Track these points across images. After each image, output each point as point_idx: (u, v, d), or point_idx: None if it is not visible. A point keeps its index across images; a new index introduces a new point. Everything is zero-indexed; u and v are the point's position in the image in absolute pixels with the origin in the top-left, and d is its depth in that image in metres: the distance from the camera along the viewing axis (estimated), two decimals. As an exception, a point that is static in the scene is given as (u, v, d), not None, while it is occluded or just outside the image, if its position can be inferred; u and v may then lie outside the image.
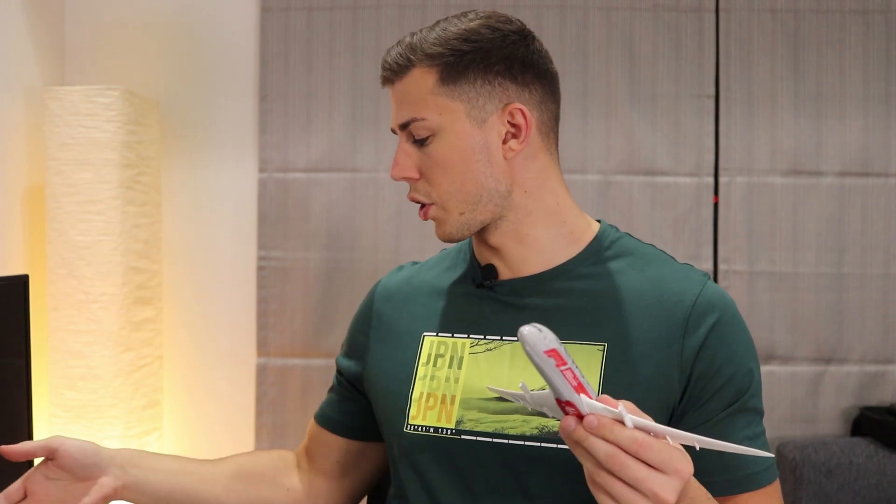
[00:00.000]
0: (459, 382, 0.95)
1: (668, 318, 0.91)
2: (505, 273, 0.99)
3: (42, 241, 1.85)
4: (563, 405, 0.69)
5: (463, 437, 0.93)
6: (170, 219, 2.06)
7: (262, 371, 2.03)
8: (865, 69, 1.99)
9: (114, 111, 1.76)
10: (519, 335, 0.66)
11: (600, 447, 0.67)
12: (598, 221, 1.04)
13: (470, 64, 0.92)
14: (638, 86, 2.00)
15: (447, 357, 0.97)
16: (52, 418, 1.78)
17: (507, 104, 0.94)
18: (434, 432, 0.94)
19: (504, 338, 0.96)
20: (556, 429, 0.90)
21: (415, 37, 0.94)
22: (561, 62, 2.10)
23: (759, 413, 0.93)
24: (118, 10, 2.06)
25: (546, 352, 0.66)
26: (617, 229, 1.03)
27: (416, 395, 0.96)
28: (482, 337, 0.97)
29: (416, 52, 0.93)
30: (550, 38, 1.99)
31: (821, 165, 1.99)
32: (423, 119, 0.93)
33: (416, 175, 0.95)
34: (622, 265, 0.97)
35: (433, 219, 0.98)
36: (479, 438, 0.92)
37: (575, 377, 0.69)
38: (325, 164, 2.02)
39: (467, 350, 0.96)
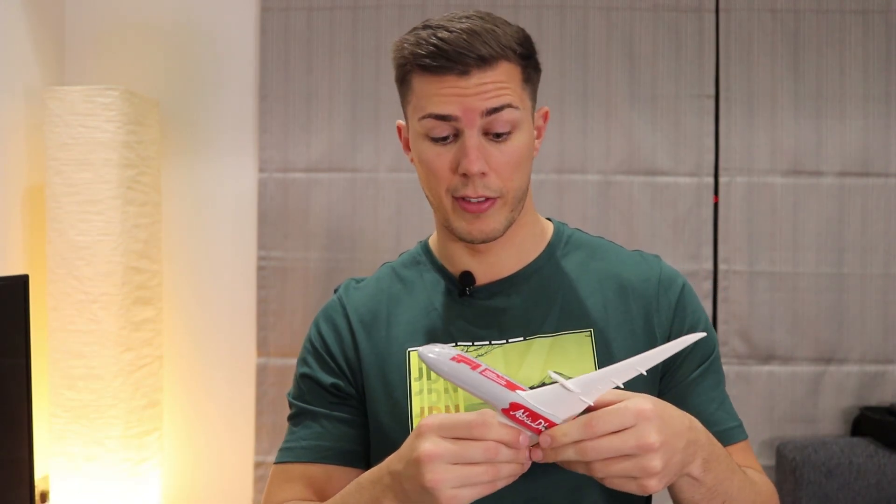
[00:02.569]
0: (459, 391, 0.94)
1: (641, 296, 0.98)
2: (481, 277, 0.99)
3: (42, 241, 1.85)
4: (509, 413, 0.72)
5: None
6: (170, 219, 2.06)
7: (262, 371, 2.03)
8: (865, 69, 1.99)
9: (114, 111, 1.76)
10: (423, 360, 0.69)
11: (568, 453, 0.71)
12: (549, 220, 1.07)
13: (536, 67, 0.95)
14: (638, 86, 2.00)
15: None
16: (52, 418, 1.78)
17: (539, 106, 0.99)
18: None
19: (493, 342, 0.96)
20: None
21: (480, 28, 0.88)
22: (561, 62, 2.11)
23: (723, 377, 1.00)
24: (118, 10, 2.06)
25: (452, 358, 0.68)
26: (567, 225, 1.07)
27: (416, 411, 0.94)
28: (470, 344, 0.96)
29: (500, 45, 0.88)
30: (550, 38, 1.99)
31: (821, 165, 1.99)
32: (517, 108, 0.89)
33: (486, 170, 0.90)
34: (582, 257, 1.02)
35: (488, 215, 0.92)
36: None
37: (498, 376, 0.72)
38: (325, 164, 2.02)
39: None
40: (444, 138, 0.90)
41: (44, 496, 1.83)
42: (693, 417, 0.79)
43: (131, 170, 1.80)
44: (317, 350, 1.01)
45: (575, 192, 2.00)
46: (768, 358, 1.99)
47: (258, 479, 2.03)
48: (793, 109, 1.99)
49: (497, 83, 0.88)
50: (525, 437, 0.71)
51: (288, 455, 0.98)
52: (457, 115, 0.88)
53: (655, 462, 0.70)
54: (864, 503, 1.81)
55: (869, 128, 1.99)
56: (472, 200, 0.90)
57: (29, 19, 1.91)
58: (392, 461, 0.77)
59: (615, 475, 0.71)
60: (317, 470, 0.97)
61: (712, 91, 2.00)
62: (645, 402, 0.72)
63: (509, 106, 0.88)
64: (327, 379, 0.99)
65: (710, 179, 2.00)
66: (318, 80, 2.02)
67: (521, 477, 0.90)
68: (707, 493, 0.79)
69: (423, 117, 0.90)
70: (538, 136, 0.99)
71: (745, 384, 1.99)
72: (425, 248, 1.06)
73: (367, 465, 0.98)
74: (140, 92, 1.89)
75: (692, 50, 2.00)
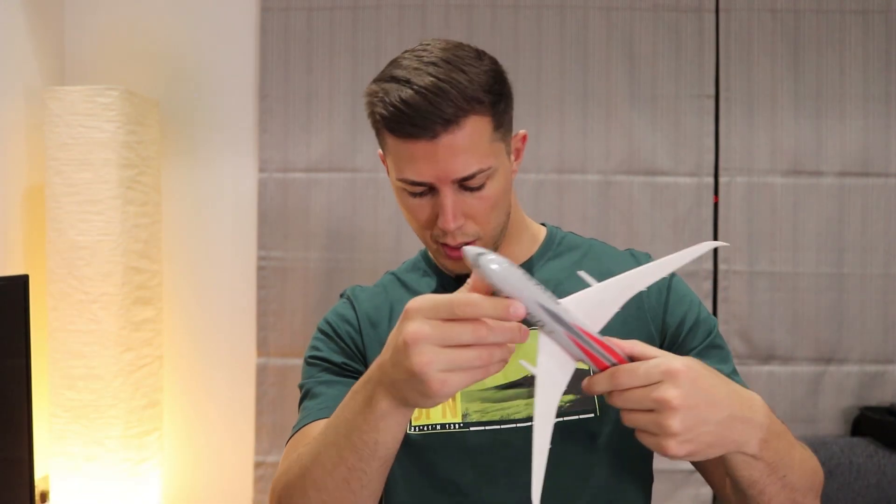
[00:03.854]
0: None
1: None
2: None
3: (42, 241, 1.85)
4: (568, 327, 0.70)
5: (471, 428, 0.96)
6: (170, 219, 2.06)
7: (262, 371, 2.03)
8: (865, 69, 1.99)
9: (114, 111, 1.76)
10: (484, 268, 0.65)
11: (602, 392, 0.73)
12: (543, 224, 1.11)
13: (507, 104, 0.95)
14: (638, 86, 2.00)
15: None
16: (52, 418, 1.77)
17: (515, 131, 1.01)
18: (441, 429, 0.96)
19: None
20: (558, 404, 0.93)
21: (445, 82, 0.87)
22: (561, 62, 2.11)
23: (729, 353, 1.01)
24: (118, 11, 2.06)
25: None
26: (559, 229, 1.11)
27: None
28: None
29: (465, 100, 0.87)
30: (550, 38, 1.99)
31: (821, 165, 1.99)
32: (488, 168, 0.91)
33: (464, 222, 0.93)
34: (576, 257, 1.06)
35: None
36: (487, 428, 0.96)
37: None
38: (325, 164, 2.02)
39: None
40: (420, 193, 0.93)
41: (44, 496, 1.83)
42: (756, 396, 0.77)
43: (131, 170, 1.80)
44: (326, 335, 1.05)
45: (575, 192, 2.00)
46: (768, 358, 1.99)
47: (258, 479, 2.03)
48: (793, 109, 1.99)
49: (466, 146, 0.88)
50: (515, 307, 0.66)
51: (304, 420, 0.97)
52: (430, 181, 0.91)
53: (672, 422, 0.69)
54: (864, 503, 1.81)
55: (869, 128, 1.99)
56: (452, 247, 0.95)
57: (29, 19, 1.91)
58: (381, 356, 0.74)
59: (638, 427, 0.71)
60: None
61: (712, 91, 2.00)
62: (676, 362, 0.70)
63: (479, 172, 0.90)
64: (338, 358, 1.02)
65: (710, 179, 2.00)
66: (318, 80, 2.02)
67: (515, 467, 0.92)
68: (766, 468, 0.77)
69: (400, 179, 0.93)
70: (517, 158, 1.02)
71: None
72: (424, 255, 1.11)
73: None
74: (140, 92, 1.89)
75: (692, 50, 2.00)
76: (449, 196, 0.90)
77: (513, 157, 1.00)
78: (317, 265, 2.02)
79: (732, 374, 0.97)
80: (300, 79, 2.02)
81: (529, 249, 1.06)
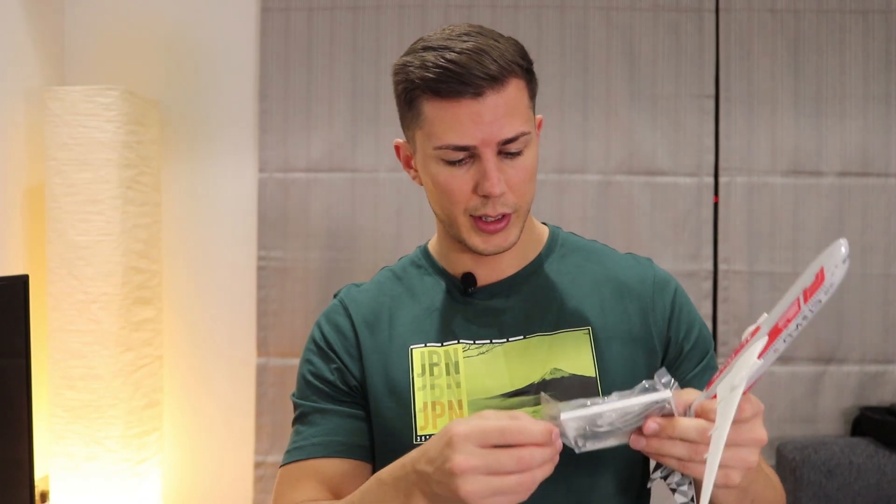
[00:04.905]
0: (462, 387, 0.95)
1: (637, 296, 1.00)
2: (481, 279, 1.01)
3: (42, 241, 1.85)
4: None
5: None
6: (170, 219, 2.06)
7: (262, 371, 2.03)
8: (865, 69, 1.99)
9: (114, 111, 1.76)
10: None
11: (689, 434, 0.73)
12: (544, 224, 1.09)
13: (535, 79, 0.96)
14: (638, 86, 2.00)
15: (442, 365, 0.97)
16: (52, 418, 1.77)
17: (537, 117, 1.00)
18: None
19: (493, 341, 0.98)
20: None
21: (484, 45, 0.87)
22: (561, 62, 2.11)
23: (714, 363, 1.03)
24: (118, 10, 2.06)
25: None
26: (560, 228, 1.09)
27: (419, 405, 0.96)
28: (472, 342, 0.98)
29: (507, 61, 0.88)
30: (550, 38, 1.99)
31: (821, 165, 1.99)
32: (529, 133, 0.91)
33: (506, 189, 0.91)
34: (579, 259, 1.04)
35: (505, 231, 0.93)
36: None
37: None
38: (325, 164, 2.02)
39: (461, 355, 0.97)
40: (460, 161, 0.90)
41: (44, 496, 1.83)
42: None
43: (131, 170, 1.80)
44: (320, 348, 1.02)
45: (575, 192, 2.00)
46: (768, 358, 1.99)
47: (258, 479, 2.03)
48: (793, 109, 1.99)
49: (510, 107, 0.88)
50: (556, 433, 0.72)
51: (298, 454, 0.97)
52: (475, 144, 0.88)
53: (754, 457, 0.72)
54: (864, 503, 1.81)
55: (869, 128, 1.99)
56: (491, 219, 0.91)
57: (29, 19, 1.91)
58: (418, 460, 0.76)
59: (723, 464, 0.71)
60: (329, 465, 0.96)
61: (712, 91, 2.00)
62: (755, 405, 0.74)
63: (522, 134, 0.89)
64: (332, 375, 1.00)
65: (710, 179, 2.00)
66: (318, 80, 2.02)
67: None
68: (739, 493, 0.81)
69: (441, 147, 0.89)
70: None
71: (745, 384, 1.98)
72: (425, 252, 1.07)
73: (373, 461, 0.99)
74: (140, 92, 1.89)
75: (692, 50, 2.00)
76: (492, 160, 0.89)
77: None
78: (317, 265, 2.02)
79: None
80: (300, 79, 2.02)
81: (535, 249, 1.04)
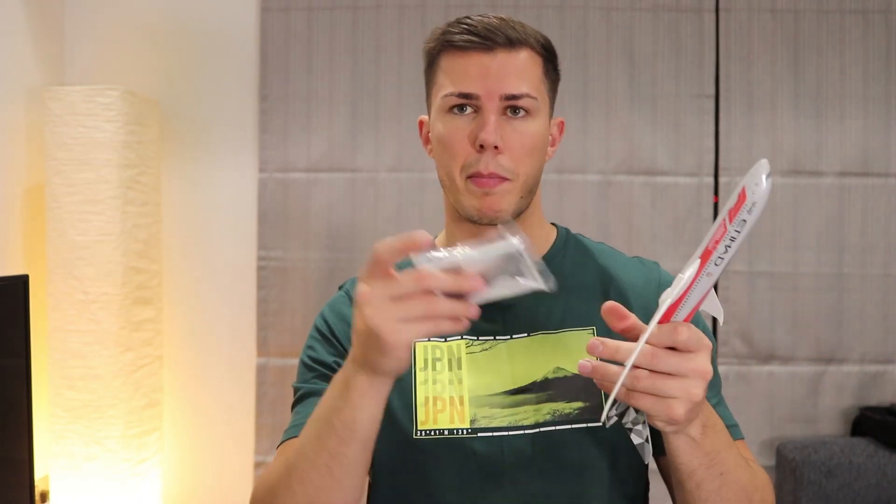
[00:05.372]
0: (464, 383, 0.96)
1: (642, 298, 1.00)
2: None
3: (42, 241, 1.85)
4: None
5: (480, 434, 0.95)
6: (170, 219, 2.06)
7: (262, 371, 2.03)
8: (865, 69, 1.99)
9: (114, 111, 1.76)
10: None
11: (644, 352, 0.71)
12: (553, 224, 1.10)
13: (555, 69, 1.01)
14: (638, 86, 2.00)
15: (445, 360, 0.98)
16: (52, 418, 1.77)
17: (555, 116, 1.04)
18: (449, 434, 0.95)
19: (497, 337, 0.98)
20: (566, 411, 0.93)
21: (509, 20, 0.95)
22: (561, 62, 2.10)
23: (720, 379, 1.03)
24: (118, 10, 2.06)
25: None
26: (569, 229, 1.10)
27: (420, 400, 0.96)
28: (475, 338, 0.98)
29: (525, 35, 0.95)
30: (550, 38, 1.99)
31: (821, 165, 1.99)
32: (535, 98, 0.94)
33: (501, 145, 0.93)
34: (586, 259, 1.05)
35: (498, 193, 0.94)
36: (495, 434, 0.94)
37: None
38: (325, 164, 2.02)
39: (464, 351, 0.98)
40: (463, 109, 0.94)
41: (44, 496, 1.83)
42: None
43: (131, 170, 1.80)
44: (322, 334, 1.03)
45: (575, 192, 2.00)
46: (768, 358, 1.99)
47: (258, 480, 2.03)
48: (793, 109, 1.99)
49: (519, 68, 0.93)
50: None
51: (293, 431, 0.98)
52: (478, 94, 0.92)
53: (699, 390, 0.71)
54: (864, 503, 1.81)
55: (869, 128, 1.99)
56: (484, 175, 0.93)
57: (29, 19, 1.91)
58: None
59: (661, 392, 0.70)
60: None
61: (712, 91, 2.00)
62: (705, 338, 0.72)
63: (527, 95, 0.93)
64: (332, 359, 1.01)
65: (710, 179, 2.00)
66: (318, 80, 2.02)
67: (522, 473, 0.91)
68: (705, 459, 0.78)
69: (447, 95, 0.94)
70: (552, 144, 1.03)
71: (745, 384, 1.99)
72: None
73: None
74: (140, 92, 1.89)
75: (692, 50, 2.00)
76: (493, 113, 0.92)
77: (550, 139, 1.02)
78: (317, 265, 2.02)
79: (719, 405, 0.96)
80: (300, 79, 2.02)
81: (543, 248, 1.04)
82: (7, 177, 1.83)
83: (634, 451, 0.77)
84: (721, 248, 0.72)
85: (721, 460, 0.80)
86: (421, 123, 1.05)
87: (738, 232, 0.70)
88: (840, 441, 1.89)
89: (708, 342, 0.72)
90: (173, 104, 2.05)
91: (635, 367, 0.70)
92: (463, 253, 0.71)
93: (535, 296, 0.99)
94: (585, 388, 0.93)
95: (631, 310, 0.98)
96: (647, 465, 1.01)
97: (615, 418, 0.77)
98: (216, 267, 2.07)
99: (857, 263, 1.98)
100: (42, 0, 1.96)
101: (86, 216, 1.75)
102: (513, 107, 0.93)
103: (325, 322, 1.04)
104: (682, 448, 0.77)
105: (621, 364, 0.70)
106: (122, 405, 1.76)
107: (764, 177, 0.66)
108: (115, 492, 1.76)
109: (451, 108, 0.94)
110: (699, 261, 0.73)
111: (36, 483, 1.52)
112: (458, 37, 0.94)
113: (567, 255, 1.05)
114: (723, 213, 0.70)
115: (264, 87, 2.03)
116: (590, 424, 0.93)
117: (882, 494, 1.80)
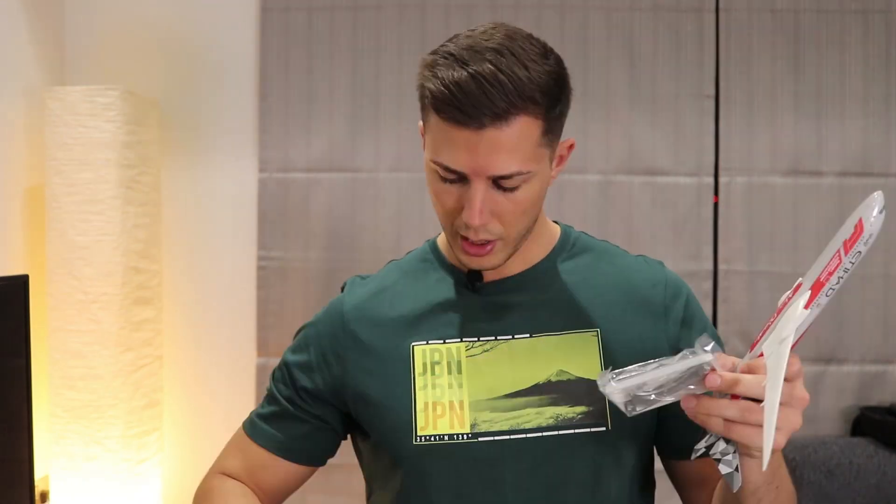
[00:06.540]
0: (464, 387, 0.94)
1: (647, 301, 0.98)
2: (490, 274, 1.00)
3: (42, 241, 1.85)
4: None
5: (480, 439, 0.92)
6: (170, 219, 2.06)
7: (262, 371, 2.03)
8: (865, 69, 1.99)
9: (114, 111, 1.76)
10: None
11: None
12: (556, 223, 1.08)
13: (563, 110, 0.92)
14: (638, 86, 2.00)
15: (444, 364, 0.96)
16: (52, 418, 1.77)
17: (564, 139, 0.96)
18: (449, 439, 0.93)
19: (498, 337, 0.96)
20: (570, 415, 0.92)
21: (504, 70, 0.82)
22: (561, 62, 2.10)
23: None
24: (118, 10, 2.06)
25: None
26: (573, 228, 1.07)
27: (419, 405, 0.94)
28: (476, 339, 0.97)
29: (520, 97, 0.83)
30: (550, 38, 1.96)
31: (821, 165, 1.99)
32: (527, 172, 0.87)
33: (490, 220, 0.89)
34: (589, 260, 1.03)
35: (489, 254, 0.92)
36: (497, 438, 0.92)
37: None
38: (325, 164, 2.02)
39: (464, 354, 0.96)
40: (452, 181, 0.88)
41: (44, 496, 1.82)
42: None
43: (131, 170, 1.80)
44: (307, 352, 1.04)
45: (575, 193, 2.00)
46: (768, 358, 1.99)
47: (258, 479, 2.03)
48: (793, 109, 1.99)
49: (510, 145, 0.84)
50: None
51: (252, 431, 1.04)
52: (465, 172, 0.86)
53: (799, 419, 0.72)
54: (863, 503, 1.81)
55: (869, 128, 1.99)
56: (473, 243, 0.91)
57: (29, 19, 1.91)
58: None
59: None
60: (266, 457, 1.03)
61: (712, 91, 2.00)
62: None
63: (518, 174, 0.86)
64: (306, 382, 1.02)
65: (710, 179, 2.00)
66: (318, 80, 2.02)
67: (524, 479, 0.91)
68: (770, 476, 0.79)
69: (435, 161, 0.88)
70: (559, 164, 0.97)
71: (745, 384, 1.98)
72: (433, 246, 1.06)
73: (321, 463, 1.05)
74: (140, 92, 1.89)
75: (692, 50, 2.00)
76: (480, 191, 0.86)
77: (555, 164, 0.95)
78: (317, 265, 2.02)
79: None
80: (300, 79, 2.02)
81: (546, 248, 1.02)
82: (7, 177, 1.83)
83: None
84: (834, 279, 0.70)
85: (780, 475, 0.82)
86: (422, 129, 1.00)
87: (853, 263, 0.69)
88: (840, 441, 1.89)
89: (801, 365, 0.73)
90: (173, 104, 2.05)
91: (736, 396, 0.71)
92: (653, 377, 0.73)
93: (538, 296, 0.99)
94: (589, 392, 0.92)
95: (631, 310, 0.98)
96: (653, 466, 1.01)
97: (703, 450, 0.77)
98: (216, 267, 2.07)
99: (857, 263, 1.98)
100: (42, 0, 1.96)
101: (86, 216, 1.75)
102: (503, 186, 0.87)
103: (318, 334, 1.04)
104: (755, 470, 0.77)
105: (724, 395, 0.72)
106: (122, 405, 1.76)
107: (878, 209, 0.67)
108: (115, 492, 1.76)
109: (439, 173, 0.88)
110: (810, 291, 0.71)
111: (36, 483, 1.51)
112: (443, 108, 0.84)
113: (571, 255, 1.03)
114: (836, 245, 0.69)
115: (264, 87, 2.03)
116: (593, 430, 0.91)
117: (882, 494, 1.80)
